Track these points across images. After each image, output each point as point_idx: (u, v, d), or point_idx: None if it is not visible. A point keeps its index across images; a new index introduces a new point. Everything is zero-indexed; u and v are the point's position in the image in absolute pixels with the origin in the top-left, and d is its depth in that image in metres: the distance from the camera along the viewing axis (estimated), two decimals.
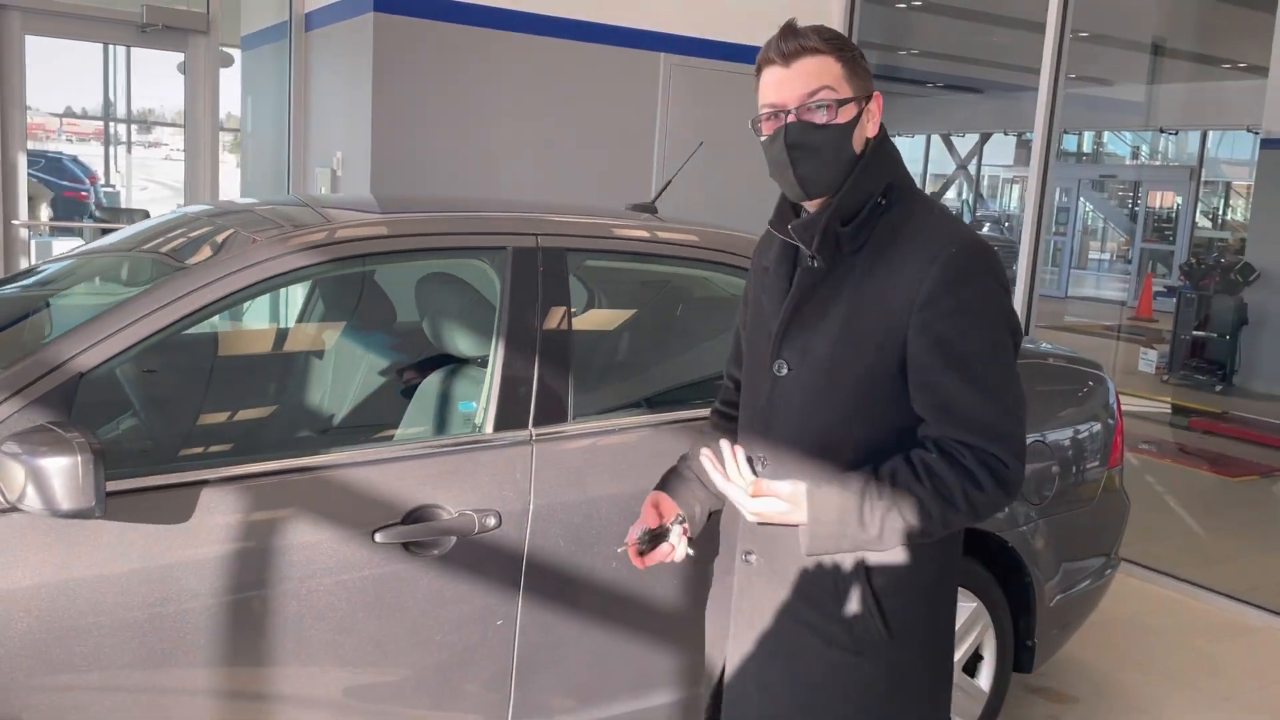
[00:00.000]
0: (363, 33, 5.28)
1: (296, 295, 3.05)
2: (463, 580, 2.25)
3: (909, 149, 22.90)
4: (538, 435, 2.40)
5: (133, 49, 6.40)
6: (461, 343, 2.54)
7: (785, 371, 1.68)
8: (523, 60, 5.61)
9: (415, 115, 5.34)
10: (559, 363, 2.47)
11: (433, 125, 5.39)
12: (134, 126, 16.54)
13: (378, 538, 2.16)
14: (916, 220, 1.63)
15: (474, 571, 2.27)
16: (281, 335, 3.12)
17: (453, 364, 2.55)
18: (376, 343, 2.85)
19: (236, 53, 7.43)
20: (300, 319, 3.12)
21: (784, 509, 1.59)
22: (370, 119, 5.22)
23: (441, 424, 2.42)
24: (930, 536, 1.60)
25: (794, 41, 1.60)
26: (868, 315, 1.59)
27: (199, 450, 2.53)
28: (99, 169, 16.72)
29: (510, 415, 2.39)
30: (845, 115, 1.60)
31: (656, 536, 1.81)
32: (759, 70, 1.66)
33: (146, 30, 5.86)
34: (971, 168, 21.92)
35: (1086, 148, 19.19)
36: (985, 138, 20.94)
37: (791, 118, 1.60)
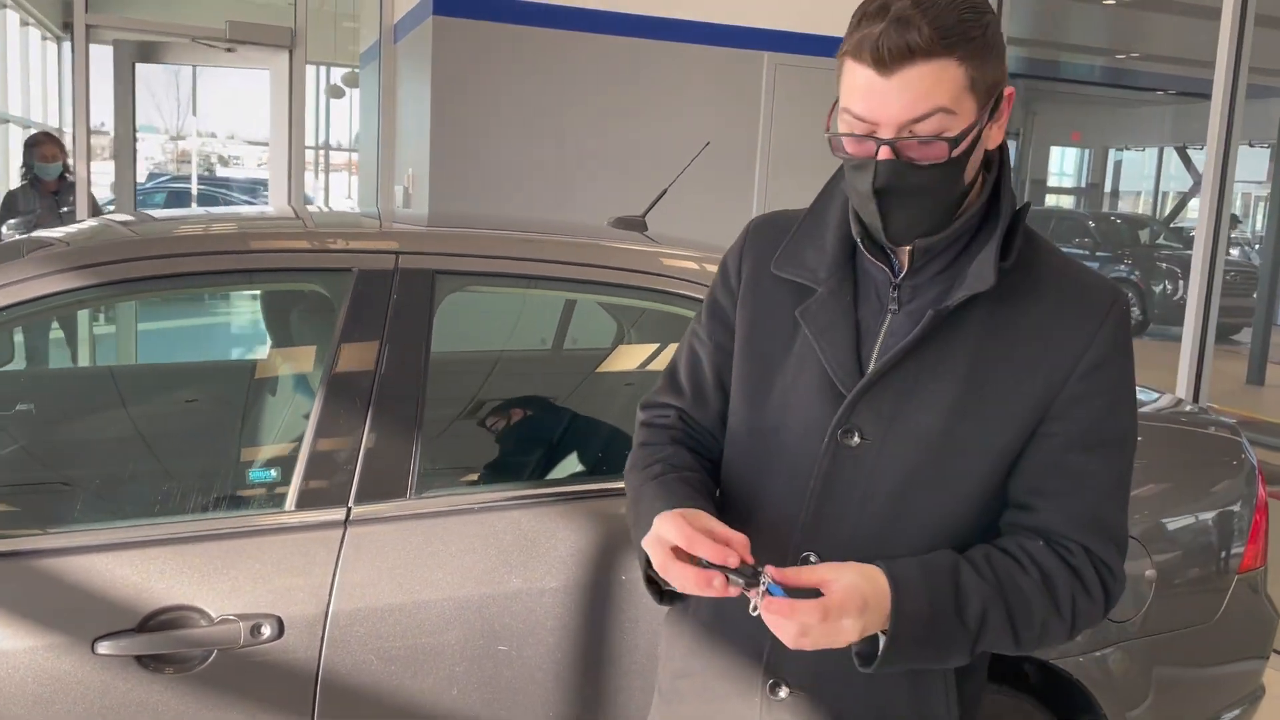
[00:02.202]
0: (424, 39, 4.91)
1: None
2: (224, 709, 1.71)
3: (1138, 164, 20.88)
4: (359, 515, 1.84)
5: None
6: (286, 389, 2.02)
7: (858, 442, 1.24)
8: (602, 64, 5.08)
9: (478, 127, 4.91)
10: (403, 418, 1.90)
11: (498, 138, 4.94)
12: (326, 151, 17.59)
13: (100, 648, 1.65)
14: (1050, 258, 1.27)
15: (241, 697, 1.72)
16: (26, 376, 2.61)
17: (268, 418, 2.02)
18: (167, 385, 2.36)
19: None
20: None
21: (854, 621, 1.13)
22: (429, 132, 4.83)
23: (229, 497, 1.89)
24: (1025, 649, 1.23)
25: (899, 37, 1.11)
26: (1002, 379, 1.22)
27: None
28: (328, 194, 18.04)
29: (322, 487, 1.84)
30: (963, 145, 1.16)
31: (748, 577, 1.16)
32: (842, 59, 1.18)
33: (233, 49, 5.72)
34: None
35: None
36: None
37: (885, 153, 1.14)
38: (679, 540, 1.13)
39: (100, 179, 7.35)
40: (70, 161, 6.33)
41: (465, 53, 4.86)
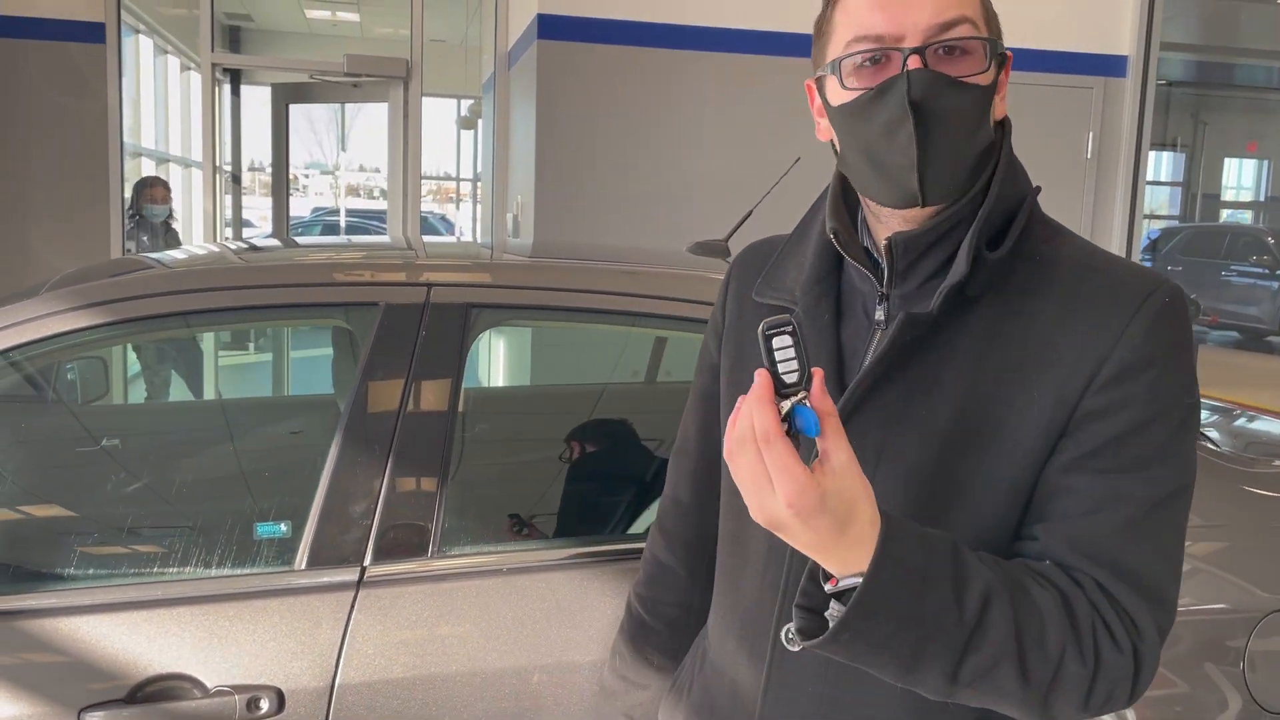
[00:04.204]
0: (530, 65, 4.81)
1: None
2: None
3: None
4: (373, 576, 1.66)
5: None
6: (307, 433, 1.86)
7: None
8: (712, 83, 4.87)
9: (584, 152, 4.77)
10: (426, 468, 1.72)
11: (605, 163, 4.79)
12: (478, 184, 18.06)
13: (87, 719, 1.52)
14: (1074, 250, 1.04)
15: None
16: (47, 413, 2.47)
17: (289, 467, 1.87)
18: (172, 425, 2.23)
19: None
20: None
21: (801, 517, 0.84)
22: (534, 158, 4.72)
23: (233, 554, 1.74)
24: (1032, 698, 0.92)
25: None
26: (1007, 400, 0.99)
27: None
28: (468, 224, 18.62)
29: (335, 545, 1.67)
30: (990, 74, 1.02)
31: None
32: (832, 8, 1.05)
33: (359, 84, 5.78)
34: None
35: None
36: None
37: (915, 61, 0.97)
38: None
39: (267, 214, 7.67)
40: (174, 206, 6.51)
41: (570, 77, 4.73)
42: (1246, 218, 19.33)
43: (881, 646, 0.88)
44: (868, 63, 0.99)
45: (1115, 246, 5.43)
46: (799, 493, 0.83)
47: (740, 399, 0.86)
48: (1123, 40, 5.34)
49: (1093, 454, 0.97)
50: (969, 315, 1.01)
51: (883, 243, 1.04)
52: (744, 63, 4.89)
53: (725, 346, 1.21)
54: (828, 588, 0.90)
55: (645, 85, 4.82)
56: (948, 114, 0.98)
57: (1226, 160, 19.10)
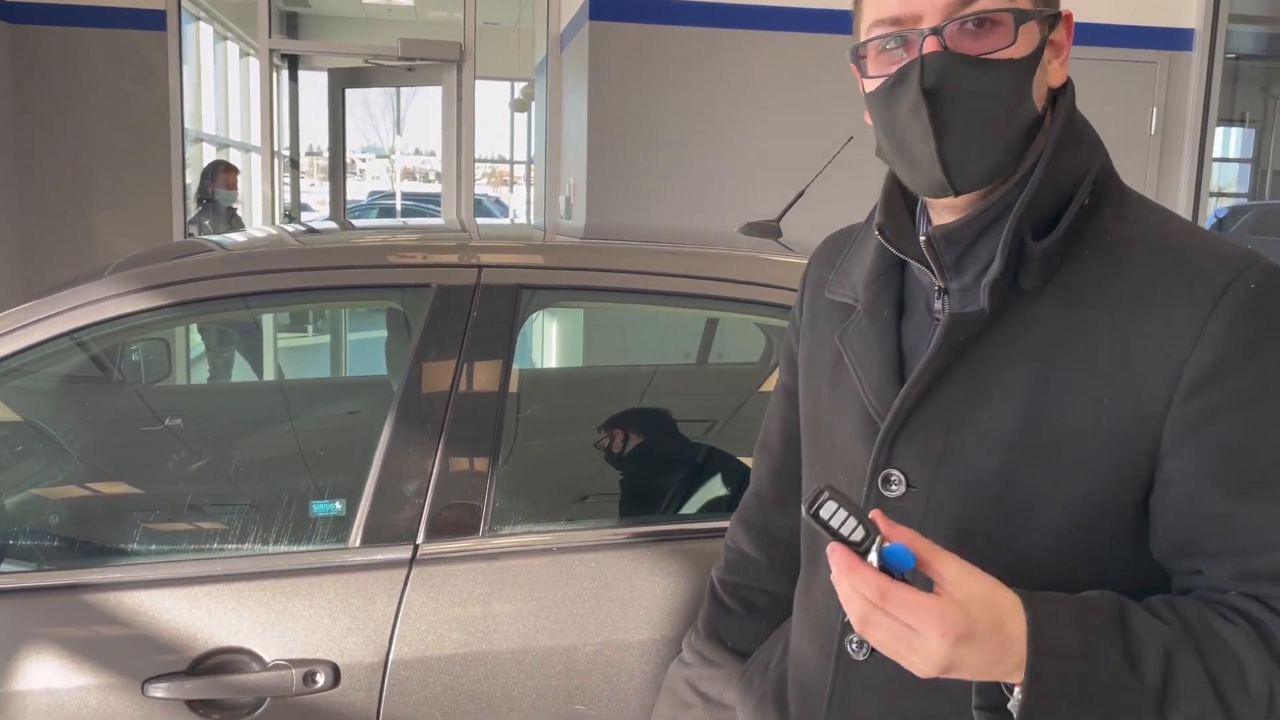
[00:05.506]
0: (582, 46, 4.81)
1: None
2: None
3: None
4: (426, 553, 1.69)
5: None
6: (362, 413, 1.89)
7: (902, 491, 0.98)
8: (772, 62, 4.83)
9: (637, 134, 4.76)
10: (478, 447, 1.74)
11: (658, 145, 4.78)
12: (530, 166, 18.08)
13: (150, 690, 1.56)
14: (1149, 231, 0.93)
15: None
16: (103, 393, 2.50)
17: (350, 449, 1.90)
18: (231, 406, 2.26)
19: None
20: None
21: (944, 647, 0.80)
22: (586, 139, 4.72)
23: (290, 531, 1.78)
24: None
25: None
26: (1075, 405, 0.91)
27: None
28: (522, 207, 18.70)
29: (388, 523, 1.69)
30: (1026, 44, 0.93)
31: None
32: None
33: (413, 69, 5.82)
34: None
35: None
36: None
37: (932, 43, 0.91)
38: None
39: (325, 198, 7.81)
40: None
41: (621, 57, 4.73)
42: None
43: None
44: (890, 44, 0.94)
45: None
46: (942, 619, 0.79)
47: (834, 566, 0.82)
48: (1189, 13, 5.20)
49: (1211, 473, 0.88)
50: (1031, 310, 0.93)
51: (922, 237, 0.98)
52: (795, 41, 4.84)
53: (801, 346, 1.17)
54: (1015, 694, 0.85)
55: (696, 65, 4.80)
56: (970, 97, 0.91)
57: None
